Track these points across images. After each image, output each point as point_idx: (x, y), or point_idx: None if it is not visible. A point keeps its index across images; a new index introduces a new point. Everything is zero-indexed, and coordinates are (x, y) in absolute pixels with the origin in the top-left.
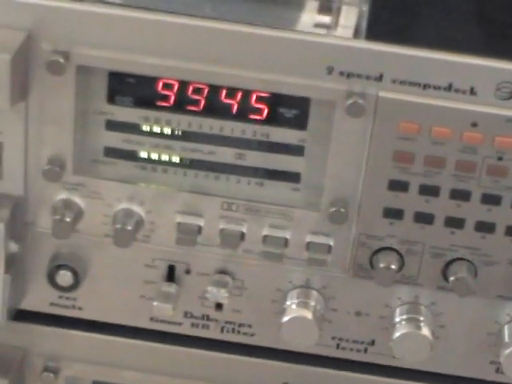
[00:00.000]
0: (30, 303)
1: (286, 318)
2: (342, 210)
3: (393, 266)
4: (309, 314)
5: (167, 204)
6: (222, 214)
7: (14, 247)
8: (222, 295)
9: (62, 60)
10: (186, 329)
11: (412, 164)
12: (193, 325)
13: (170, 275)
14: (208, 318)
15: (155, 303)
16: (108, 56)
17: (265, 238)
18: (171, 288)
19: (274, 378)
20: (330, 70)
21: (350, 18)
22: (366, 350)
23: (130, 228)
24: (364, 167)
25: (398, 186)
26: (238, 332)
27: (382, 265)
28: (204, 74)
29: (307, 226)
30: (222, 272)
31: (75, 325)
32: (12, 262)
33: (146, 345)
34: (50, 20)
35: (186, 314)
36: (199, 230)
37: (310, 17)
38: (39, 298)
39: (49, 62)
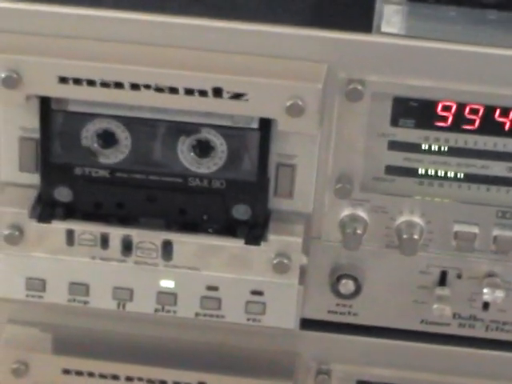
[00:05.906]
0: (309, 312)
1: None
2: None
3: None
4: None
5: (445, 215)
6: (496, 222)
7: (304, 260)
8: (498, 295)
9: (360, 87)
10: (453, 329)
11: None
12: (460, 325)
13: (442, 280)
14: (475, 318)
15: (435, 306)
16: (396, 82)
17: None
18: (445, 291)
19: None
20: None
21: None
22: None
23: (416, 237)
24: None
25: None
26: (502, 330)
27: None
28: (480, 96)
29: None
30: (491, 275)
31: (342, 329)
32: (302, 274)
33: (413, 345)
34: (347, 51)
35: (454, 316)
36: (474, 237)
37: None
38: (319, 306)
39: (348, 89)
